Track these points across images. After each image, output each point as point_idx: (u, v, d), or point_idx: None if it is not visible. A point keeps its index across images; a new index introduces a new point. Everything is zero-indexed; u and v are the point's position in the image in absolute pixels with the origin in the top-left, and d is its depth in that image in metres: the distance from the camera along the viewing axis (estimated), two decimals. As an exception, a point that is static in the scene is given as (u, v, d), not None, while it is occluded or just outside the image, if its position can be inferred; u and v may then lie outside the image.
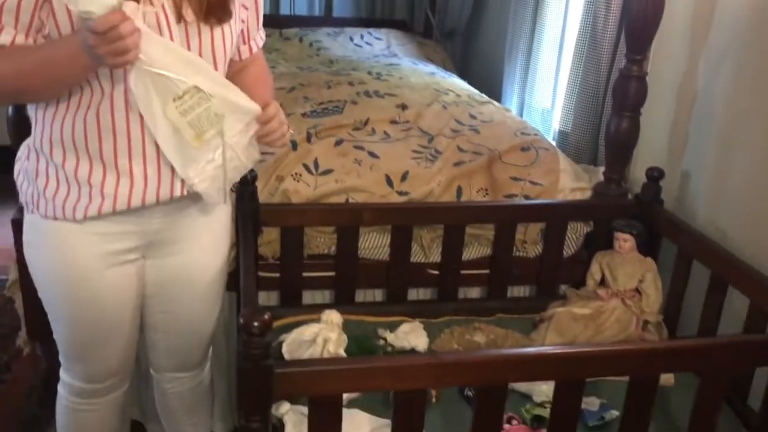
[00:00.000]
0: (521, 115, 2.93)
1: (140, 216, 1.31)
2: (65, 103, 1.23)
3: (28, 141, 1.32)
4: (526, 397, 1.57)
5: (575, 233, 2.05)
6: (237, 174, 1.34)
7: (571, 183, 2.09)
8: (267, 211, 1.80)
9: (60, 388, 1.50)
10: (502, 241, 1.97)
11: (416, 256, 1.96)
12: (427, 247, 1.97)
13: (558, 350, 1.34)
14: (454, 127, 2.27)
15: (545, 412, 1.44)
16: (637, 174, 2.18)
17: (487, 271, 2.01)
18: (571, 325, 1.79)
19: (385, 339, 1.78)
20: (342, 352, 1.62)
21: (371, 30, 3.80)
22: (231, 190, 1.76)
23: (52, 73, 1.16)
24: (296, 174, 1.93)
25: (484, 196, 2.01)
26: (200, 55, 1.24)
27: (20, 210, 1.67)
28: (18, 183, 1.35)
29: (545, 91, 2.85)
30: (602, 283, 1.90)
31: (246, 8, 1.38)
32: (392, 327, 1.81)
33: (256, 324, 1.10)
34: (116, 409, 1.54)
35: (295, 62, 3.20)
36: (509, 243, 1.98)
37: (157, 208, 1.32)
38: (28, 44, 1.17)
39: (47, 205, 1.28)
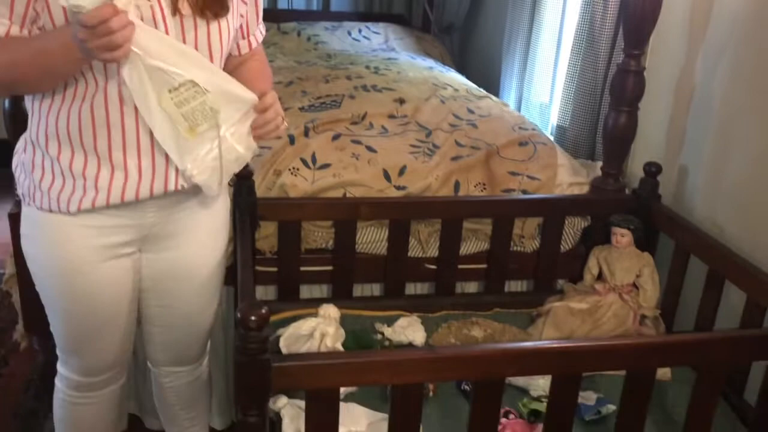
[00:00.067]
0: (519, 110, 2.93)
1: (134, 210, 1.31)
2: (60, 95, 1.22)
3: (26, 133, 1.32)
4: (523, 392, 1.58)
5: (573, 228, 2.05)
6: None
7: (568, 178, 2.09)
8: (264, 206, 1.80)
9: (57, 381, 1.50)
10: (500, 236, 1.97)
11: (414, 250, 1.96)
12: (424, 242, 1.97)
13: (555, 345, 1.34)
14: (452, 121, 2.27)
15: (542, 407, 1.45)
16: (635, 169, 2.18)
17: (484, 266, 2.01)
18: (569, 320, 1.80)
19: (382, 333, 1.78)
20: (339, 347, 1.62)
21: (369, 24, 3.79)
22: (229, 184, 1.76)
23: (46, 64, 1.15)
24: (294, 168, 1.92)
25: (482, 191, 2.01)
26: (196, 49, 1.23)
27: (17, 204, 1.67)
28: (16, 175, 1.36)
29: (543, 86, 2.85)
30: (599, 277, 1.91)
31: (245, 3, 1.37)
32: (390, 321, 1.81)
33: (253, 318, 1.10)
34: (113, 403, 1.54)
35: (293, 56, 3.20)
36: (507, 238, 1.98)
37: (151, 202, 1.32)
38: (23, 35, 1.17)
39: (42, 197, 1.28)
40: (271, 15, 3.63)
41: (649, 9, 1.86)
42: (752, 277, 1.59)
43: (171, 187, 1.28)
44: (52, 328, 1.42)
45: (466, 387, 1.55)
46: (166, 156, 1.26)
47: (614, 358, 1.31)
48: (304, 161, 1.94)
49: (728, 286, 1.68)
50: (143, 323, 1.52)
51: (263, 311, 1.11)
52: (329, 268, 1.92)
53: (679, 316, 1.87)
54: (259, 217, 1.80)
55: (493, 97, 2.66)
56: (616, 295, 1.83)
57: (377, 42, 3.61)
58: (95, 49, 1.06)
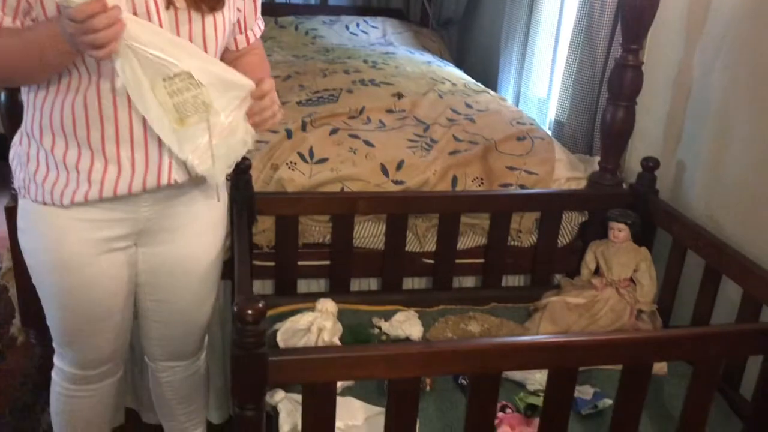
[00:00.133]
0: (517, 105, 2.92)
1: (128, 203, 1.31)
2: (54, 87, 1.22)
3: (22, 126, 1.32)
4: (520, 386, 1.58)
5: (570, 223, 2.05)
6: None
7: (566, 172, 2.09)
8: (262, 200, 1.80)
9: (54, 374, 1.50)
10: (497, 231, 1.97)
11: (411, 245, 1.96)
12: (422, 236, 1.97)
13: (551, 339, 1.35)
14: (449, 116, 2.27)
15: (538, 401, 1.45)
16: (633, 164, 2.18)
17: (481, 261, 2.01)
18: (566, 315, 1.80)
19: (379, 328, 1.78)
20: (337, 341, 1.63)
21: (367, 18, 3.78)
22: (226, 178, 1.76)
23: (37, 56, 1.15)
24: (291, 163, 1.92)
25: (480, 186, 2.01)
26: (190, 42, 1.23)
27: (14, 197, 1.66)
28: (12, 168, 1.36)
29: (541, 81, 2.85)
30: (597, 272, 1.91)
31: None
32: (387, 316, 1.81)
33: (250, 312, 1.10)
34: (110, 396, 1.54)
35: (290, 50, 3.19)
36: (504, 232, 1.98)
37: (145, 196, 1.31)
38: (15, 27, 1.17)
39: (37, 190, 1.28)
40: (269, 9, 3.63)
41: (647, 4, 1.85)
42: (749, 272, 1.59)
43: (164, 181, 1.28)
44: (48, 321, 1.42)
45: (463, 381, 1.55)
46: (160, 150, 1.25)
47: (610, 353, 1.32)
48: (301, 155, 1.94)
49: (725, 281, 1.68)
50: (140, 318, 1.52)
51: (260, 305, 1.11)
52: (327, 262, 1.92)
53: (675, 311, 1.88)
54: (256, 211, 1.80)
55: (491, 92, 2.66)
56: (613, 289, 1.83)
57: (375, 36, 3.61)
58: (82, 44, 1.06)
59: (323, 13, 3.88)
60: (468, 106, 2.37)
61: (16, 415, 2.03)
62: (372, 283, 2.01)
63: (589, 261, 1.92)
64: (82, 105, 1.21)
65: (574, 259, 2.00)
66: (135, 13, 1.14)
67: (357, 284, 1.99)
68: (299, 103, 2.25)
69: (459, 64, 3.43)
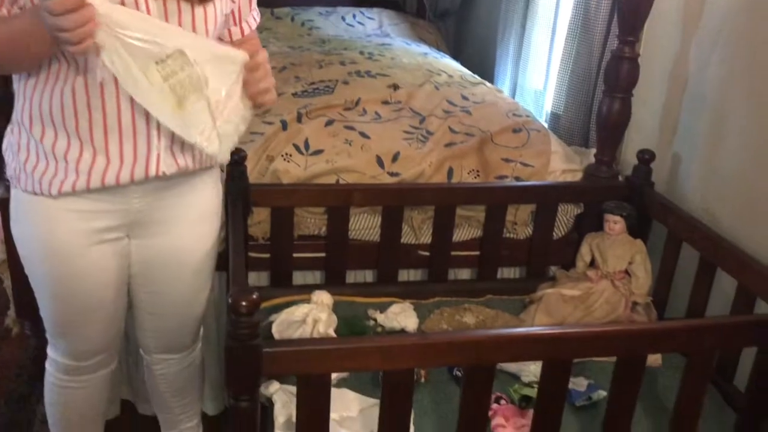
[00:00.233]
0: (514, 97, 2.92)
1: (118, 195, 1.30)
2: (44, 75, 1.22)
3: (13, 115, 1.32)
4: (515, 377, 1.58)
5: (566, 215, 2.05)
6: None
7: (562, 165, 2.09)
8: (257, 191, 1.79)
9: (47, 365, 1.50)
10: (493, 223, 1.97)
11: (407, 237, 1.96)
12: (417, 229, 1.96)
13: (546, 331, 1.35)
14: (446, 107, 2.26)
15: (533, 392, 1.45)
16: (628, 156, 2.18)
17: (477, 253, 2.01)
18: (561, 307, 1.80)
19: (375, 320, 1.78)
20: (332, 333, 1.63)
21: (363, 10, 3.77)
22: (221, 169, 1.75)
23: (24, 44, 1.14)
24: (286, 154, 1.92)
25: (475, 178, 2.01)
26: None
27: (7, 189, 1.65)
28: (5, 157, 1.35)
29: (538, 73, 2.84)
30: (592, 264, 1.91)
31: None
32: (382, 308, 1.81)
33: (244, 304, 1.10)
34: (104, 387, 1.54)
35: (286, 41, 3.17)
36: (500, 224, 1.98)
37: (135, 188, 1.31)
38: (2, 15, 1.16)
39: (27, 179, 1.28)
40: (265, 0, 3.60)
41: (644, -5, 1.85)
42: (743, 265, 1.59)
43: (152, 172, 1.27)
44: (41, 312, 1.42)
45: (458, 373, 1.56)
46: (149, 142, 1.25)
47: (605, 345, 1.32)
48: (296, 147, 1.94)
49: (720, 274, 1.68)
50: (134, 309, 1.51)
51: (254, 297, 1.11)
52: (322, 254, 1.92)
53: (670, 303, 1.88)
54: (251, 203, 1.79)
55: (488, 84, 2.65)
56: (608, 282, 1.83)
57: (371, 27, 3.59)
58: (57, 40, 1.07)
59: (319, 5, 3.85)
60: (464, 98, 2.37)
61: (11, 406, 2.03)
62: (367, 275, 2.01)
63: (585, 253, 1.92)
64: (70, 94, 1.20)
65: (569, 252, 2.00)
66: (123, 4, 1.13)
67: (352, 276, 1.99)
68: (295, 94, 2.24)
69: (455, 56, 3.42)
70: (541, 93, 2.81)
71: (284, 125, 1.99)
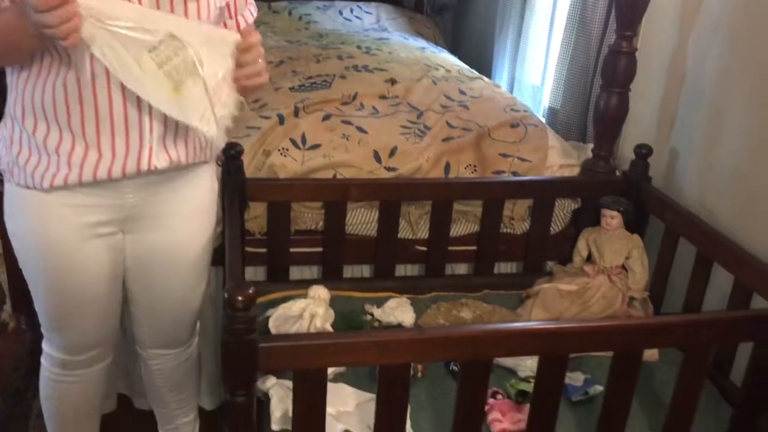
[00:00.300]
0: (511, 92, 2.91)
1: (111, 189, 1.30)
2: (36, 68, 1.21)
3: (6, 108, 1.31)
4: (511, 372, 1.58)
5: (563, 210, 2.05)
6: (236, 109, 1.28)
7: (559, 160, 2.09)
8: (253, 186, 1.79)
9: (42, 359, 1.50)
10: (490, 218, 1.97)
11: (404, 232, 1.96)
12: (414, 224, 1.96)
13: (542, 326, 1.34)
14: (443, 102, 2.25)
15: (529, 387, 1.45)
16: (626, 151, 2.18)
17: (474, 248, 2.01)
18: (557, 301, 1.80)
19: (372, 314, 1.78)
20: (329, 327, 1.63)
21: (361, 4, 3.75)
22: (217, 164, 1.75)
23: (14, 37, 1.14)
24: (283, 149, 1.91)
25: (473, 173, 2.00)
26: None
27: (0, 183, 1.65)
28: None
29: (535, 68, 2.84)
30: (589, 259, 1.91)
31: None
32: (379, 303, 1.81)
33: (240, 299, 1.09)
34: (99, 382, 1.54)
35: (283, 36, 3.16)
36: (497, 219, 1.98)
37: (128, 182, 1.31)
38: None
39: (20, 173, 1.28)
40: (262, -7, 3.59)
41: (642, -11, 1.84)
42: (740, 260, 1.59)
43: (144, 167, 1.27)
44: (35, 306, 1.42)
45: (455, 368, 1.56)
46: (141, 136, 1.25)
47: (601, 340, 1.32)
48: (293, 142, 1.93)
49: (716, 269, 1.68)
50: (129, 304, 1.51)
51: (250, 291, 1.10)
52: (319, 249, 1.92)
53: (667, 299, 1.88)
54: (248, 197, 1.79)
55: (485, 79, 2.64)
56: (605, 277, 1.83)
57: (369, 22, 3.58)
58: (44, 36, 1.07)
59: (317, -1, 3.84)
60: (462, 92, 2.36)
61: (8, 401, 2.03)
62: (364, 270, 2.01)
63: (582, 248, 1.92)
64: (61, 88, 1.20)
65: (566, 247, 2.00)
66: None
67: (349, 271, 1.99)
68: (292, 88, 2.23)
69: (453, 51, 3.41)
70: (539, 88, 2.81)
71: (281, 119, 1.99)
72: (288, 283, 1.88)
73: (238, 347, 1.12)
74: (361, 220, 1.93)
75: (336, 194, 1.85)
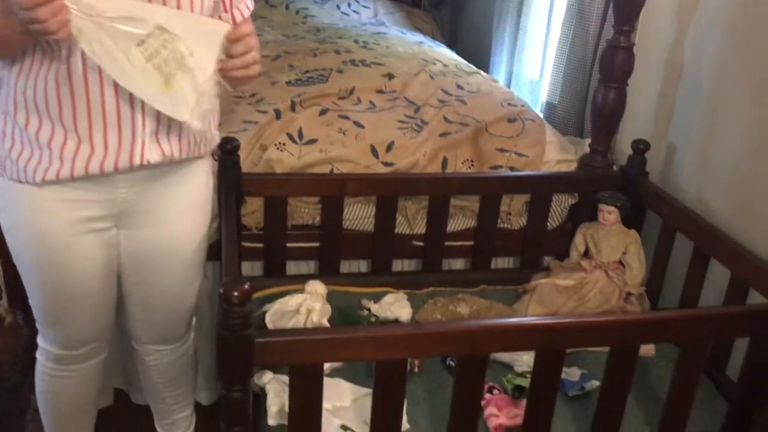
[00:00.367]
0: (509, 86, 2.91)
1: (104, 184, 1.29)
2: (28, 62, 1.21)
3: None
4: (508, 367, 1.58)
5: (560, 205, 2.05)
6: (218, 99, 1.28)
7: (556, 155, 2.08)
8: (250, 181, 1.78)
9: (38, 354, 1.50)
10: (487, 213, 1.97)
11: (401, 227, 1.96)
12: (411, 219, 1.96)
13: (538, 321, 1.35)
14: (440, 97, 2.25)
15: (526, 382, 1.45)
16: (623, 146, 2.18)
17: (471, 243, 2.01)
18: (554, 297, 1.80)
19: (369, 309, 1.78)
20: (325, 323, 1.62)
21: (359, -2, 3.74)
22: (214, 159, 1.74)
23: (3, 33, 1.13)
24: (280, 143, 1.90)
25: (470, 168, 2.00)
26: None
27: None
28: None
29: (533, 62, 2.83)
30: (586, 254, 1.91)
31: None
32: (376, 298, 1.81)
33: (236, 294, 1.09)
34: (94, 377, 1.53)
35: (281, 30, 3.15)
36: (494, 215, 1.98)
37: (121, 177, 1.30)
38: None
39: (12, 167, 1.27)
40: (259, -13, 3.57)
41: (640, -16, 1.84)
42: (737, 255, 1.59)
43: (136, 161, 1.26)
44: (30, 301, 1.42)
45: (451, 363, 1.56)
46: (133, 130, 1.24)
47: (598, 335, 1.32)
48: (290, 136, 1.93)
49: (713, 264, 1.68)
50: (124, 299, 1.51)
51: (246, 287, 1.10)
52: (316, 244, 1.91)
53: (664, 294, 1.88)
54: (244, 192, 1.79)
55: (483, 73, 2.64)
56: (602, 272, 1.83)
57: (366, 16, 3.57)
58: (33, 32, 1.07)
59: (315, -7, 3.82)
60: (459, 87, 2.36)
61: (4, 395, 2.02)
62: (361, 265, 2.01)
63: (579, 243, 1.92)
64: (53, 81, 1.20)
65: (563, 242, 2.00)
66: None
67: (346, 266, 1.99)
68: (289, 83, 2.23)
69: (451, 45, 3.41)
70: (537, 82, 2.80)
71: (278, 114, 1.98)
72: (285, 278, 1.88)
73: (234, 342, 1.12)
74: (358, 215, 1.93)
75: (333, 189, 1.85)
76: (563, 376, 1.41)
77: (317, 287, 1.67)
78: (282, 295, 1.68)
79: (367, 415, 1.26)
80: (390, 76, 2.34)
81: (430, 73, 2.45)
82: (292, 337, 1.20)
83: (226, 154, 1.72)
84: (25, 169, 1.26)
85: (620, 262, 1.85)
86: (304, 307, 1.61)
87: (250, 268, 1.92)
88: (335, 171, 1.90)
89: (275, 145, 1.90)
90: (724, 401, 1.55)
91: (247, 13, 1.41)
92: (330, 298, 1.69)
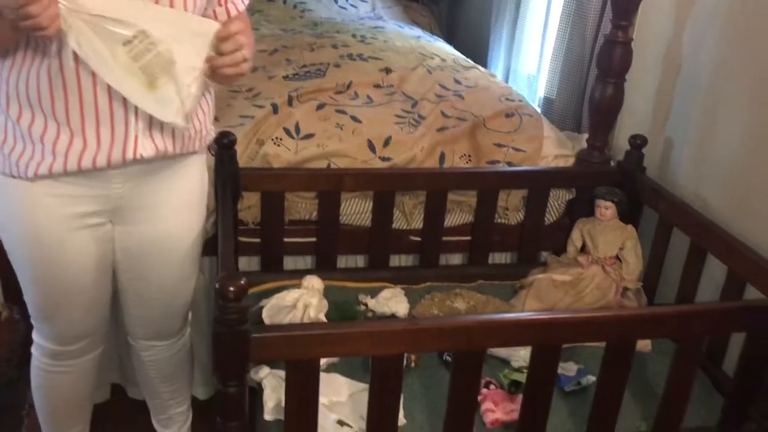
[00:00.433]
0: (507, 81, 2.90)
1: (97, 179, 1.29)
2: (20, 55, 1.20)
3: None
4: (505, 362, 1.59)
5: (557, 200, 2.05)
6: (202, 93, 1.28)
7: (554, 150, 2.08)
8: (247, 176, 1.78)
9: (33, 349, 1.49)
10: (484, 208, 1.97)
11: (398, 222, 1.96)
12: (409, 214, 1.96)
13: (535, 316, 1.35)
14: (438, 92, 2.25)
15: (522, 377, 1.46)
16: (621, 141, 2.17)
17: (468, 238, 2.01)
18: (551, 292, 1.80)
19: (366, 305, 1.78)
20: (322, 317, 1.62)
21: (357, -8, 3.72)
22: (210, 153, 1.73)
23: None
24: (277, 138, 1.90)
25: (467, 163, 2.00)
26: None
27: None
28: None
29: (531, 57, 2.83)
30: (583, 250, 1.91)
31: None
32: (373, 293, 1.81)
33: (231, 289, 1.09)
34: (90, 372, 1.53)
35: (278, 24, 3.14)
36: (491, 210, 1.98)
37: (115, 172, 1.29)
38: None
39: (4, 161, 1.27)
40: (257, -19, 3.56)
41: (638, -21, 1.83)
42: (734, 250, 1.59)
43: (129, 156, 1.26)
44: (24, 296, 1.41)
45: (448, 358, 1.56)
46: (126, 125, 1.24)
47: (594, 330, 1.32)
48: (287, 131, 1.92)
49: (710, 259, 1.69)
50: (119, 294, 1.50)
51: (242, 282, 1.10)
52: (313, 239, 1.91)
53: (661, 289, 1.89)
54: (241, 187, 1.78)
55: (481, 68, 2.63)
56: (599, 267, 1.83)
57: (364, 10, 3.56)
58: (24, 29, 1.07)
59: (312, -13, 3.81)
60: (457, 82, 2.35)
61: (1, 391, 2.02)
62: (358, 260, 2.00)
63: (576, 239, 1.92)
64: (46, 75, 1.19)
65: (560, 237, 2.00)
66: None
67: (343, 261, 1.99)
68: (286, 77, 2.22)
69: (449, 40, 3.40)
70: (535, 77, 2.80)
71: (275, 109, 1.97)
72: (282, 273, 1.87)
73: (230, 338, 1.12)
74: (355, 210, 1.93)
75: (330, 184, 1.85)
76: (560, 371, 1.41)
77: (314, 282, 1.67)
78: (279, 290, 1.68)
79: (364, 410, 1.26)
80: (387, 71, 2.33)
81: (428, 67, 2.44)
82: (289, 333, 1.20)
83: (223, 148, 1.72)
84: (17, 163, 1.25)
85: (617, 258, 1.85)
86: (301, 302, 1.61)
87: (247, 263, 1.92)
88: (332, 166, 1.90)
89: (272, 139, 1.89)
90: (720, 396, 1.55)
91: (241, 7, 1.40)
92: (327, 293, 1.69)
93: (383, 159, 1.93)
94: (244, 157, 1.85)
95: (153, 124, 1.26)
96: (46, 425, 1.59)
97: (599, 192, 1.88)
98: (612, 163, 2.08)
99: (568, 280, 1.82)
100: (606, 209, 1.86)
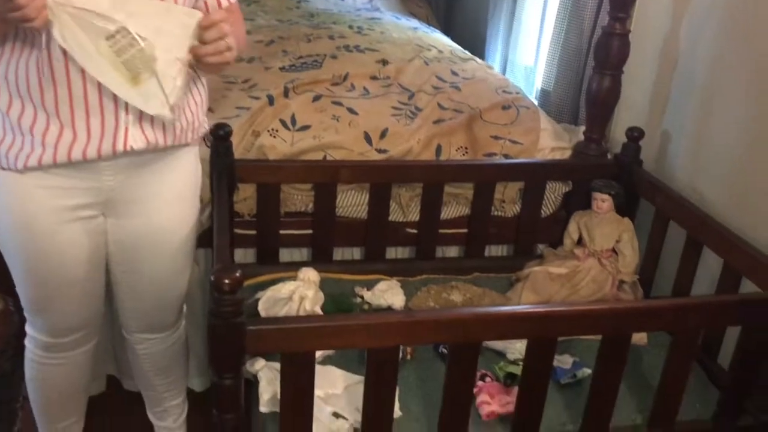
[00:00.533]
0: (504, 73, 2.89)
1: (88, 171, 1.28)
2: (9, 46, 1.20)
3: None
4: (500, 355, 1.59)
5: (554, 193, 2.04)
6: (187, 83, 1.28)
7: (551, 142, 2.08)
8: (242, 167, 1.77)
9: (26, 341, 1.49)
10: (481, 201, 1.96)
11: (394, 214, 1.95)
12: (405, 206, 1.95)
13: (530, 309, 1.35)
14: (435, 83, 2.24)
15: (518, 370, 1.45)
16: (618, 134, 2.17)
17: (465, 230, 2.00)
18: (547, 284, 1.80)
19: (362, 297, 1.78)
20: (318, 310, 1.62)
21: (353, -17, 3.70)
22: (206, 144, 1.73)
23: None
24: (273, 130, 1.89)
25: (464, 155, 1.99)
26: None
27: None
28: None
29: (528, 49, 2.82)
30: (579, 242, 1.91)
31: None
32: (369, 285, 1.80)
33: (226, 281, 1.08)
34: (84, 365, 1.53)
35: (274, 15, 3.12)
36: (488, 202, 1.97)
37: (106, 165, 1.29)
38: None
39: None
40: (253, -28, 3.53)
41: (636, -30, 1.83)
42: (729, 243, 1.59)
43: (119, 147, 1.25)
44: (17, 289, 1.41)
45: (444, 350, 1.56)
46: (116, 117, 1.23)
47: (591, 323, 1.32)
48: (283, 122, 1.91)
49: (706, 252, 1.69)
50: (113, 287, 1.50)
51: (237, 274, 1.09)
52: (309, 231, 1.91)
53: (657, 282, 1.89)
54: (237, 179, 1.78)
55: (478, 60, 2.62)
56: (596, 260, 1.83)
57: (361, 1, 3.54)
58: (12, 20, 1.06)
59: (309, -23, 3.78)
60: (454, 73, 2.34)
61: (-4, 382, 2.02)
62: (355, 253, 2.00)
63: (572, 231, 1.92)
64: (35, 67, 1.18)
65: (557, 230, 2.00)
66: None
67: (340, 253, 1.98)
68: (282, 68, 2.21)
69: (446, 31, 3.39)
70: (532, 69, 2.79)
71: (271, 100, 1.96)
72: (278, 266, 1.87)
73: (225, 330, 1.12)
74: (352, 202, 1.92)
75: (326, 176, 1.84)
76: (555, 363, 1.41)
77: (310, 274, 1.66)
78: (275, 282, 1.67)
79: (359, 402, 1.26)
80: (384, 62, 2.32)
81: (425, 59, 2.43)
82: (284, 325, 1.20)
83: (219, 140, 1.71)
84: (6, 155, 1.25)
85: (613, 250, 1.85)
86: (297, 294, 1.61)
87: (243, 255, 1.92)
88: (328, 158, 1.89)
89: (268, 131, 1.88)
90: (715, 389, 1.55)
91: None
92: (323, 285, 1.69)
93: (380, 151, 1.92)
94: (239, 148, 1.84)
95: (143, 116, 1.25)
96: (40, 417, 1.59)
97: (596, 185, 1.88)
98: (609, 156, 2.08)
99: (565, 272, 1.82)
100: (603, 202, 1.86)
